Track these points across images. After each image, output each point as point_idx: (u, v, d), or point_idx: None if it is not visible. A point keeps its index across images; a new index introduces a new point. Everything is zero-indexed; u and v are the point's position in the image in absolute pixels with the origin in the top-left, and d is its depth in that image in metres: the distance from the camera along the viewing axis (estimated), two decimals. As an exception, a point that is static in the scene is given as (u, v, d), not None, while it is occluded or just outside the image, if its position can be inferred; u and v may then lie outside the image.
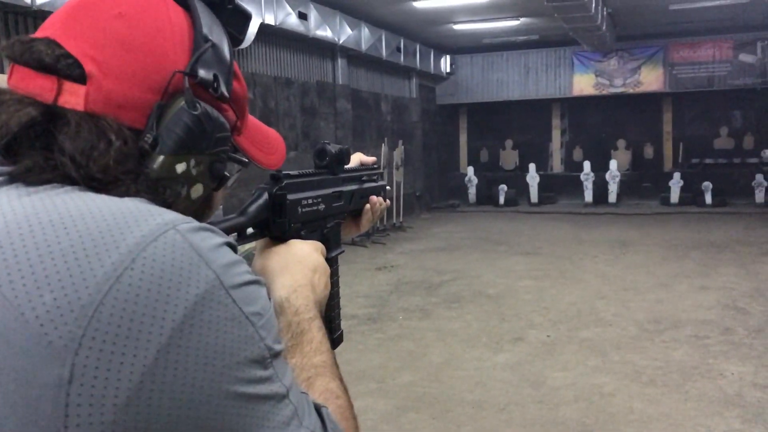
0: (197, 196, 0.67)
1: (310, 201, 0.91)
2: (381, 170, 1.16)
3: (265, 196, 0.84)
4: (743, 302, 6.15)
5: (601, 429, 3.64)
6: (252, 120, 0.79)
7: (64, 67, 0.61)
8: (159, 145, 0.62)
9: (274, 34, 9.36)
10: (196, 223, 0.59)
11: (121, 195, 0.60)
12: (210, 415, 0.54)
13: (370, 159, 1.14)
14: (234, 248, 0.61)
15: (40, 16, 5.92)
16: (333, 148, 0.98)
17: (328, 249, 0.95)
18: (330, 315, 1.00)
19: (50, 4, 5.77)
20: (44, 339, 0.50)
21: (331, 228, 0.99)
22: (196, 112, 0.63)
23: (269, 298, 0.63)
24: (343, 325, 1.08)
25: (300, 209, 0.89)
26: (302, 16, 9.50)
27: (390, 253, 9.57)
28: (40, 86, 0.60)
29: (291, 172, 0.88)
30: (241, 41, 0.74)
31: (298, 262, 0.83)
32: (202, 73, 0.64)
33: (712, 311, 5.89)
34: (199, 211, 0.70)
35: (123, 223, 0.55)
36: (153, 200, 0.61)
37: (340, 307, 1.05)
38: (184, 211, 0.65)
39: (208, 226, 0.60)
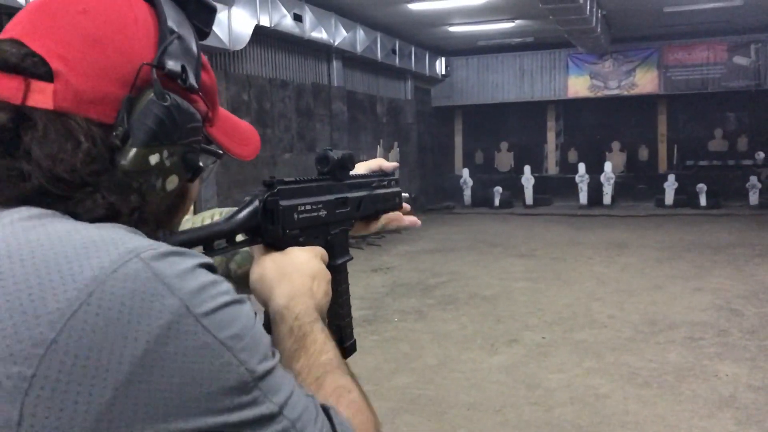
0: (173, 188, 0.66)
1: (308, 207, 0.89)
2: (394, 176, 1.12)
3: (256, 202, 0.82)
4: (737, 304, 6.17)
5: (596, 430, 3.65)
6: (223, 112, 0.79)
7: (30, 65, 0.60)
8: (130, 138, 0.61)
9: (269, 36, 9.35)
10: (163, 248, 0.56)
11: (90, 203, 0.59)
12: None
13: (392, 164, 1.11)
14: (211, 268, 0.59)
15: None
16: (336, 154, 0.96)
17: (333, 256, 0.93)
18: (340, 324, 0.98)
19: (45, 6, 5.75)
20: None
21: (335, 235, 0.96)
22: (165, 103, 0.63)
23: (254, 313, 0.61)
24: None
25: (296, 216, 0.86)
26: (297, 18, 9.49)
27: (385, 254, 9.57)
28: (7, 87, 0.59)
29: (286, 179, 0.86)
30: (207, 34, 0.73)
31: (295, 270, 0.81)
32: (170, 64, 0.64)
33: (707, 313, 5.90)
34: (175, 203, 0.69)
35: (83, 254, 0.53)
36: (126, 199, 0.61)
37: (351, 315, 1.01)
38: (161, 204, 0.65)
39: (177, 249, 0.58)
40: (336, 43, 10.68)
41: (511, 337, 5.35)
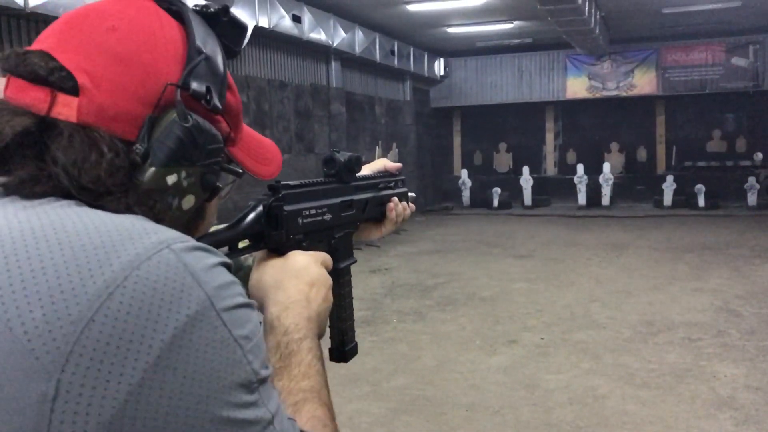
0: (189, 207, 0.67)
1: (312, 211, 0.88)
2: (400, 177, 1.12)
3: (260, 208, 0.81)
4: (736, 304, 6.17)
5: (595, 431, 3.65)
6: (247, 130, 0.79)
7: (57, 79, 0.61)
8: (150, 157, 0.62)
9: (268, 37, 9.35)
10: (191, 243, 0.59)
11: (114, 208, 0.60)
12: None
13: (395, 165, 1.12)
14: (229, 268, 0.61)
15: (33, 18, 5.91)
16: (342, 156, 0.95)
17: (337, 259, 0.93)
18: (342, 327, 0.98)
19: (43, 7, 5.75)
20: (31, 354, 0.50)
21: (339, 238, 0.96)
22: (187, 125, 0.63)
23: (259, 321, 0.63)
24: None
25: (300, 220, 0.86)
26: (296, 19, 9.49)
27: (384, 255, 9.57)
28: (34, 98, 0.61)
29: (291, 183, 0.85)
30: (236, 53, 0.74)
31: (293, 277, 0.81)
32: (194, 85, 0.65)
33: (705, 313, 5.91)
34: (192, 221, 0.70)
35: (118, 241, 0.55)
36: (144, 212, 0.62)
37: (354, 319, 1.01)
38: (176, 222, 0.65)
39: (203, 245, 0.60)
40: (335, 44, 10.68)
41: (509, 338, 5.35)
